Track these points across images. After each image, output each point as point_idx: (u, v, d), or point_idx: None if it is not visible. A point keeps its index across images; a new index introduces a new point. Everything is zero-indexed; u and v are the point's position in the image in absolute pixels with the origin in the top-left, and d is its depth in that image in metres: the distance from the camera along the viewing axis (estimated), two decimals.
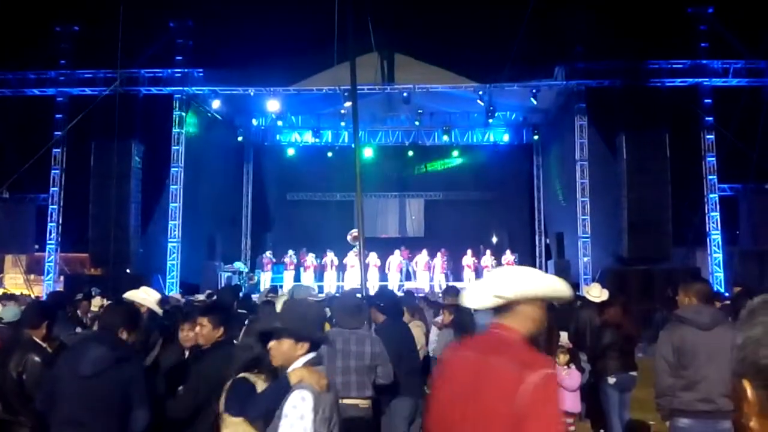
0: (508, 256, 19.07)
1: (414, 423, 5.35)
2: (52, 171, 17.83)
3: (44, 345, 3.98)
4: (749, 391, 0.84)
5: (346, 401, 4.07)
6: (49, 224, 17.78)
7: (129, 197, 16.26)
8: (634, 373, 6.40)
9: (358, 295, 5.86)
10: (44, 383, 3.64)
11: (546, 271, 19.92)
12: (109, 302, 6.78)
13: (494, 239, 21.35)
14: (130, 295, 5.17)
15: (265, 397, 2.68)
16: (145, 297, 5.15)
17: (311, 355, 2.61)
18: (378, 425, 4.86)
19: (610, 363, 6.35)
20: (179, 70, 17.41)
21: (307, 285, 16.05)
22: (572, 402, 6.48)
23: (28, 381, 3.76)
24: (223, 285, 17.60)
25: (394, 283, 18.25)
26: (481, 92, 17.41)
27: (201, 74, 17.53)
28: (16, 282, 20.33)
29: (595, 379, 6.62)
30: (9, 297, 10.43)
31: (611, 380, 6.31)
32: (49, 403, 3.51)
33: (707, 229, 17.23)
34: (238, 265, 19.22)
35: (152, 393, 3.68)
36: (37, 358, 3.81)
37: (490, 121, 19.28)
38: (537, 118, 21.18)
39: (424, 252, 19.39)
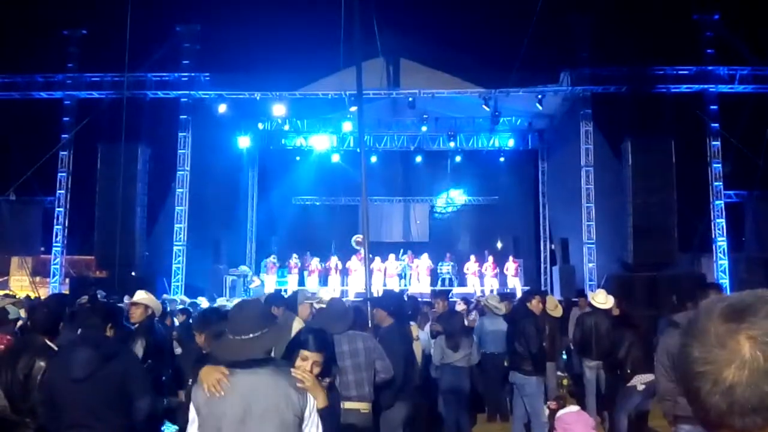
0: (512, 262, 19.03)
1: (408, 428, 5.35)
2: (59, 174, 17.90)
3: (55, 348, 4.00)
4: None
5: (347, 405, 4.05)
6: (56, 227, 17.87)
7: (135, 200, 16.29)
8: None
9: (345, 299, 5.89)
10: (41, 390, 3.66)
11: (551, 277, 19.93)
12: (86, 303, 6.85)
13: (499, 245, 21.31)
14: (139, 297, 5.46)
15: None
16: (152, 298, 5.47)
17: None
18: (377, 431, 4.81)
19: (632, 366, 6.31)
20: (186, 74, 17.47)
21: (311, 288, 16.06)
22: None
23: (34, 383, 3.78)
24: (227, 288, 17.67)
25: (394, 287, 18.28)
26: (486, 97, 17.41)
27: (207, 78, 17.58)
28: (21, 284, 20.37)
29: (616, 382, 6.56)
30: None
31: (640, 387, 6.23)
32: (48, 409, 3.53)
33: (713, 236, 17.16)
34: (243, 269, 19.25)
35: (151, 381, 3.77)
36: (43, 362, 3.84)
37: (496, 126, 19.27)
38: (542, 123, 21.19)
39: (425, 256, 19.37)
